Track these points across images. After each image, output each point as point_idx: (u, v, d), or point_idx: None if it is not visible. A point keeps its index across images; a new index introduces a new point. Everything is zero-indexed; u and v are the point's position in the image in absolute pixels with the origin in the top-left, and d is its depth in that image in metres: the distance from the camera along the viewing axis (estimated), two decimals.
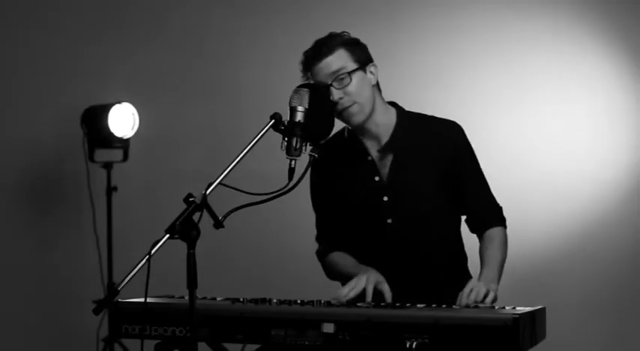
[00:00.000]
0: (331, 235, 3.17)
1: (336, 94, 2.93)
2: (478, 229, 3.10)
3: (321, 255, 3.19)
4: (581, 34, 4.69)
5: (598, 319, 4.64)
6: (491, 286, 2.86)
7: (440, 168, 3.03)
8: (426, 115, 3.12)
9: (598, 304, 4.64)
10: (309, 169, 2.72)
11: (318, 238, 3.21)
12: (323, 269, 3.20)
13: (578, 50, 4.69)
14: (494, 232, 3.06)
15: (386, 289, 2.92)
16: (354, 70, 2.95)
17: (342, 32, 3.03)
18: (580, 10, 4.68)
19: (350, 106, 2.95)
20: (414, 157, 3.03)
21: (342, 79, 2.93)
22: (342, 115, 2.98)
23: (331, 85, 2.93)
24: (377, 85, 3.04)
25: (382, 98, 3.06)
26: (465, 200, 3.07)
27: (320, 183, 3.14)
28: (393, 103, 3.11)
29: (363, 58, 2.99)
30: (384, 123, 3.04)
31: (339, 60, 2.94)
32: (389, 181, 3.04)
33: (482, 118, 4.68)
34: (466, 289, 2.83)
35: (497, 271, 2.96)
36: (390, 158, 3.04)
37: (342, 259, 3.12)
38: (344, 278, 3.02)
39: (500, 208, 3.12)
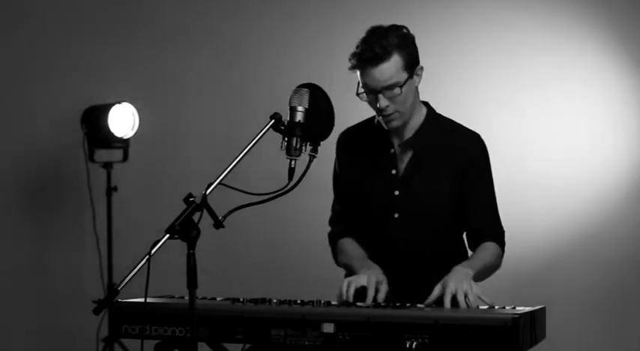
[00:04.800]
0: (345, 220, 3.18)
1: (382, 101, 2.93)
2: (475, 246, 3.07)
3: (333, 238, 3.21)
4: (581, 33, 4.69)
5: (598, 319, 4.64)
6: (467, 271, 2.84)
7: (454, 175, 3.03)
8: (453, 122, 3.13)
9: (598, 304, 4.64)
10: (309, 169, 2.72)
11: (331, 221, 3.23)
12: (332, 253, 3.21)
13: (578, 50, 4.69)
14: (489, 244, 3.04)
15: (383, 289, 2.91)
16: (405, 81, 2.94)
17: (395, 26, 2.97)
18: (580, 10, 4.68)
19: (392, 113, 2.96)
20: (432, 158, 3.04)
21: (393, 89, 2.93)
22: (381, 119, 3.00)
23: (380, 92, 2.92)
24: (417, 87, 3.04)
25: (418, 98, 3.07)
26: (468, 216, 3.06)
27: (343, 166, 3.16)
28: (425, 103, 3.12)
29: (413, 62, 2.97)
30: (414, 119, 3.05)
31: (393, 69, 2.91)
32: (404, 176, 3.05)
33: (482, 118, 4.67)
34: (437, 288, 2.82)
35: (478, 264, 2.93)
36: (409, 154, 3.05)
37: (351, 248, 3.13)
38: (348, 270, 3.04)
39: (502, 232, 3.10)
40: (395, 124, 3.00)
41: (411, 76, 2.96)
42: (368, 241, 3.11)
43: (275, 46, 5.05)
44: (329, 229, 3.24)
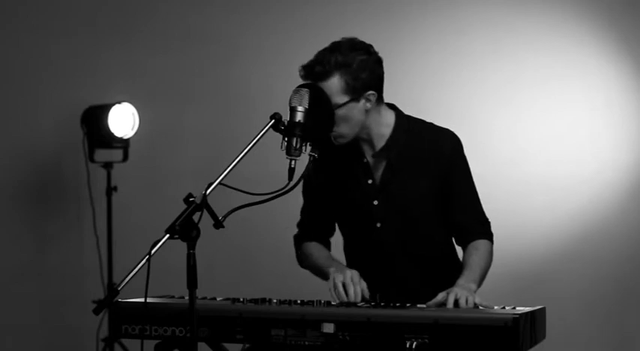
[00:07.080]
0: (312, 225, 3.18)
1: None
2: (463, 241, 3.07)
3: (298, 241, 3.21)
4: (581, 33, 4.69)
5: (598, 319, 4.64)
6: (471, 286, 2.84)
7: (432, 177, 3.01)
8: (424, 122, 3.08)
9: (598, 305, 4.64)
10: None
11: (299, 224, 3.23)
12: (296, 255, 3.22)
13: (578, 50, 4.69)
14: (479, 242, 3.03)
15: (363, 285, 2.90)
16: (343, 104, 2.88)
17: (356, 45, 2.92)
18: (580, 10, 4.68)
19: (332, 132, 2.93)
20: (408, 163, 3.01)
21: None
22: None
23: None
24: (374, 105, 2.95)
25: (380, 107, 3.00)
26: (452, 212, 3.04)
27: (313, 176, 3.13)
28: (392, 106, 3.08)
29: (359, 85, 2.88)
30: (379, 131, 3.01)
31: (329, 90, 2.86)
32: (381, 185, 3.03)
33: (483, 117, 4.68)
34: (441, 293, 2.81)
35: (478, 274, 2.93)
36: (383, 163, 3.03)
37: (316, 250, 3.14)
38: (314, 270, 3.08)
39: (488, 223, 3.09)
40: (339, 142, 2.97)
41: (354, 100, 2.90)
42: (352, 246, 3.12)
43: (275, 45, 5.05)
44: (296, 231, 3.23)
